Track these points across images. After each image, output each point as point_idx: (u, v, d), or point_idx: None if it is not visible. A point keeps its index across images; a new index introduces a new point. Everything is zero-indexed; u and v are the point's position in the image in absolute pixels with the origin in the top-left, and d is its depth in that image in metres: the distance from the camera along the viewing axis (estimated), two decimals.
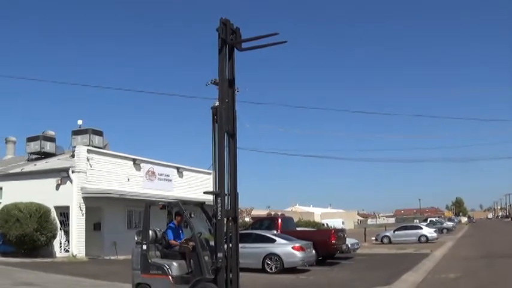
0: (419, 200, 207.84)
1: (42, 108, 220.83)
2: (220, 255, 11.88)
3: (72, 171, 29.66)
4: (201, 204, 14.84)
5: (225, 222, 12.09)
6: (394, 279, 19.19)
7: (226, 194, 12.13)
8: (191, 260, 13.20)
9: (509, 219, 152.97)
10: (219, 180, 12.04)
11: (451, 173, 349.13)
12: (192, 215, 14.53)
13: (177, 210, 14.41)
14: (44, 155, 36.72)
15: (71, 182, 29.66)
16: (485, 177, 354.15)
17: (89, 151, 30.92)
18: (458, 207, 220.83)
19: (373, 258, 30.60)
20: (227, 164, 12.16)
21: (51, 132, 38.49)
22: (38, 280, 18.75)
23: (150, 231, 14.04)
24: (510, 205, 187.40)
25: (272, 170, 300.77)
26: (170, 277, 13.15)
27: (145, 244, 13.74)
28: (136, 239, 14.45)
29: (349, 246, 29.77)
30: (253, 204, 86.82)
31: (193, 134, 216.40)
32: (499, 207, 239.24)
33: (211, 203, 12.13)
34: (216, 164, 12.12)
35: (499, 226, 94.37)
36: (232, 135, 12.41)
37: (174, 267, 13.31)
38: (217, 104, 12.68)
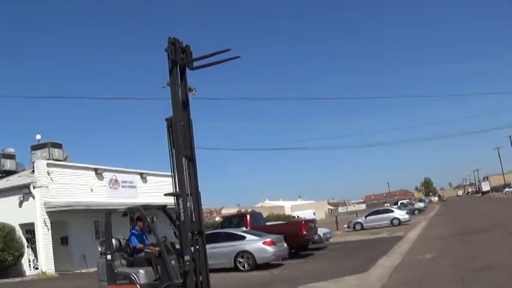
0: (388, 183, 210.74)
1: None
2: (187, 257, 11.49)
3: (34, 187, 28.98)
4: (162, 208, 14.31)
5: (189, 222, 11.69)
6: (370, 265, 18.92)
7: (187, 194, 11.74)
8: (158, 266, 12.79)
9: (480, 194, 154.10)
10: (179, 181, 11.67)
11: (417, 153, 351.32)
12: (155, 219, 14.11)
13: (139, 216, 13.96)
14: (5, 173, 35.92)
15: (34, 198, 28.99)
16: (451, 154, 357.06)
17: (48, 165, 30.24)
18: (428, 187, 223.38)
19: (346, 246, 30.37)
20: (186, 166, 11.81)
21: (10, 150, 37.67)
22: None
23: (114, 240, 13.66)
24: (479, 180, 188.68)
25: (239, 167, 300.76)
26: (138, 286, 12.77)
27: (110, 254, 13.30)
28: (100, 249, 14.03)
29: (322, 236, 29.59)
30: (222, 204, 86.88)
31: (154, 137, 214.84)
32: (467, 184, 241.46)
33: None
34: (174, 167, 11.79)
35: (470, 202, 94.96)
36: (191, 159, 12.06)
37: (141, 274, 12.90)
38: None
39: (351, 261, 21.56)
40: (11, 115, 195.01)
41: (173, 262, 12.47)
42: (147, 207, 14.60)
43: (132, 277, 12.82)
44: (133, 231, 14.06)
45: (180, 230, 11.68)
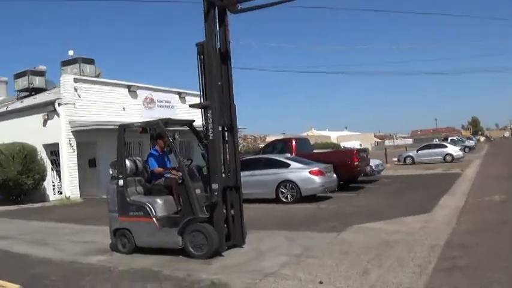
0: (436, 119, 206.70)
1: (35, 44, 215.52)
2: (215, 186, 9.26)
3: (59, 104, 26.82)
4: (189, 123, 11.55)
5: (221, 142, 9.51)
6: (431, 204, 16.42)
7: (218, 106, 9.38)
8: (180, 196, 10.23)
9: None
10: (208, 91, 9.54)
11: (466, 90, 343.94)
12: (177, 136, 11.31)
13: (159, 132, 11.25)
14: (34, 91, 33.92)
15: (58, 116, 26.91)
16: (501, 94, 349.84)
17: (76, 80, 27.92)
18: (475, 127, 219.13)
19: (400, 180, 27.86)
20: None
21: (41, 67, 35.55)
22: (15, 231, 16.05)
23: (128, 162, 11.08)
24: None
25: (285, 92, 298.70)
26: (154, 219, 10.24)
27: (122, 178, 10.79)
28: (111, 172, 11.64)
29: (373, 167, 27.05)
30: (267, 131, 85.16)
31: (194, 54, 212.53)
32: None
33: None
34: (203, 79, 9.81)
35: None
36: (230, 129, 10.03)
37: (159, 206, 10.40)
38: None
39: (409, 198, 19.19)
40: (48, 30, 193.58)
41: (198, 191, 10.01)
42: (169, 121, 11.86)
43: (147, 208, 10.34)
44: (153, 151, 11.39)
45: (208, 151, 9.40)
